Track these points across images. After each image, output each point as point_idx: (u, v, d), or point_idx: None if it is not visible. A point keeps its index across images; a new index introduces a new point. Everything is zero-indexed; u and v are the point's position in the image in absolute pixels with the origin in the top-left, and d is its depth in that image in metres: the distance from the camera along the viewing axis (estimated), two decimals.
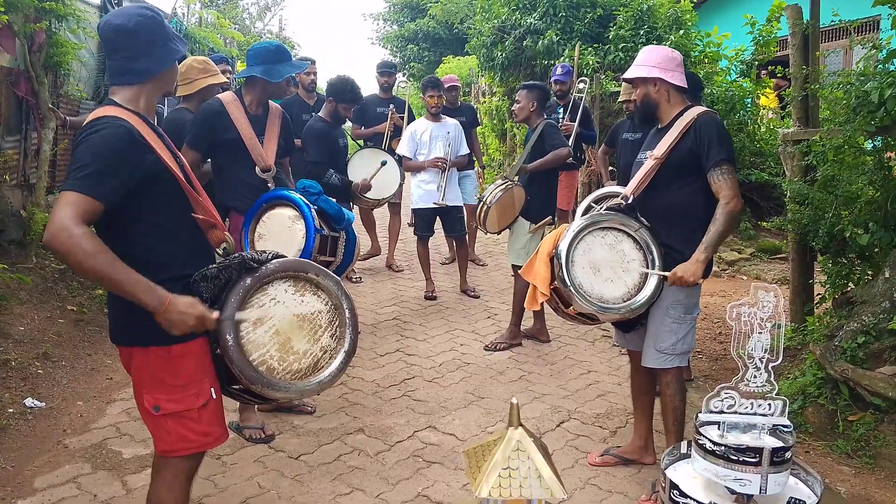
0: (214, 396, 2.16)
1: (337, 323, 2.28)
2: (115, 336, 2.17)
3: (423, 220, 6.30)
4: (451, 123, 6.30)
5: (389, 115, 6.70)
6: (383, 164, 5.17)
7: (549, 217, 5.04)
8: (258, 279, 2.13)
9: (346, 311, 2.29)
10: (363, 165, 5.69)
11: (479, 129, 9.00)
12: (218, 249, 2.28)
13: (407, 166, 6.20)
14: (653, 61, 3.11)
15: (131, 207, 1.99)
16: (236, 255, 2.17)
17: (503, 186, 5.14)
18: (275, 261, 2.19)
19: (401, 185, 6.14)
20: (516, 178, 5.13)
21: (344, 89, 4.93)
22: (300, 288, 2.24)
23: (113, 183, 1.91)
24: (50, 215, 1.87)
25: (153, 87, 2.17)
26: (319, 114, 5.18)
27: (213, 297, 2.10)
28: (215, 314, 2.02)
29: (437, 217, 6.29)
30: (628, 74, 3.20)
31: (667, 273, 2.94)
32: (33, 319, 4.75)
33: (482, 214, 5.28)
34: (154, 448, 2.18)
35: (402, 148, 6.27)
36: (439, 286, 6.58)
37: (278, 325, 2.16)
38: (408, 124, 6.67)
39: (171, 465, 2.17)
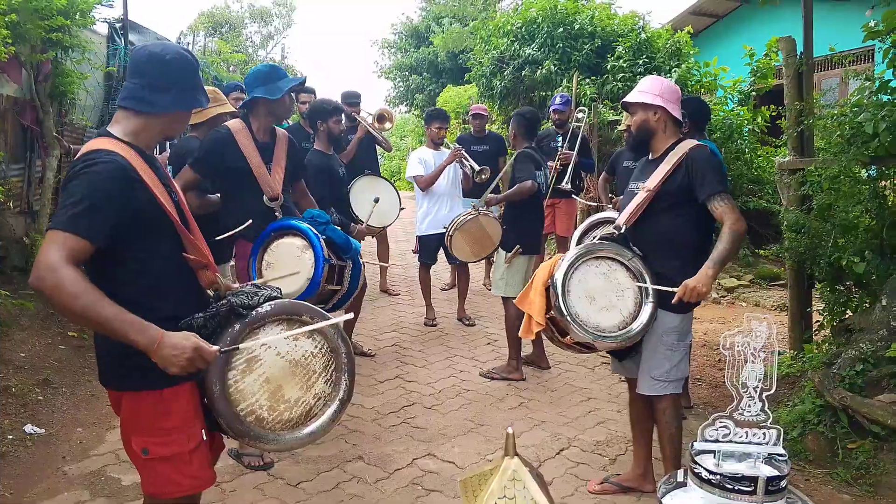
0: (205, 438, 2.09)
1: (333, 368, 2.16)
2: (103, 379, 2.10)
3: (428, 248, 6.34)
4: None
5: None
6: (376, 201, 5.22)
7: (518, 247, 4.94)
8: (247, 325, 2.05)
9: (343, 356, 2.17)
10: (363, 191, 5.73)
11: None
12: (208, 290, 2.17)
13: (422, 181, 6.18)
14: (657, 90, 3.16)
15: (121, 245, 1.93)
16: (224, 301, 2.08)
17: (469, 214, 5.22)
18: (266, 304, 2.09)
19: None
20: (485, 207, 5.23)
21: (322, 106, 4.93)
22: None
23: (103, 221, 1.86)
24: (38, 255, 1.80)
25: (158, 126, 2.10)
26: (315, 147, 5.03)
27: None
28: (214, 347, 1.94)
29: (442, 246, 6.30)
30: (630, 98, 3.22)
31: (669, 289, 2.96)
32: (34, 346, 4.77)
33: (448, 243, 5.34)
34: (142, 488, 2.12)
35: (414, 170, 6.28)
36: (439, 312, 6.59)
37: (269, 371, 2.06)
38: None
39: None
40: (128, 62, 2.13)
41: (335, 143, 5.04)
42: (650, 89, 3.17)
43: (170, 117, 2.11)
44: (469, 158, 6.27)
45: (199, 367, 1.92)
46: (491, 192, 5.60)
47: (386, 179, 6.11)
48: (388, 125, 7.09)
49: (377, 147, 7.08)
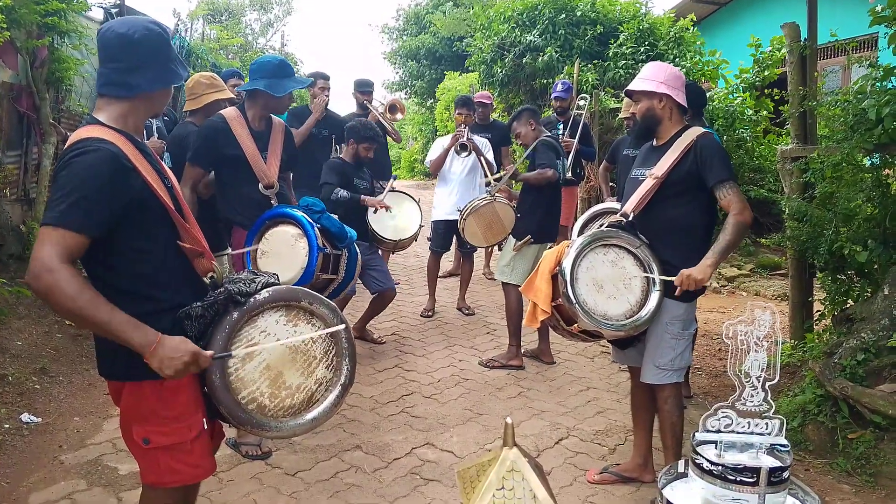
0: (206, 428, 2.08)
1: (333, 353, 2.14)
2: (103, 370, 2.06)
3: (435, 234, 6.33)
4: (478, 142, 6.24)
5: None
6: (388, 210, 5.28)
7: (529, 236, 4.92)
8: (246, 312, 2.02)
9: (343, 340, 2.14)
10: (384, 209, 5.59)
11: None
12: (205, 278, 2.14)
13: (435, 162, 6.29)
14: (662, 77, 3.11)
15: (116, 235, 1.89)
16: (222, 289, 2.04)
17: (484, 199, 5.21)
18: (264, 291, 2.07)
19: (420, 228, 5.76)
20: (499, 194, 5.23)
21: (359, 129, 5.12)
22: (293, 317, 2.11)
23: (98, 214, 1.81)
24: (32, 252, 1.77)
25: (143, 106, 2.05)
26: (341, 155, 5.27)
27: (199, 335, 1.99)
28: (209, 352, 1.92)
29: (454, 234, 6.25)
30: (634, 86, 3.17)
31: (673, 278, 2.94)
32: (31, 334, 4.75)
33: (461, 226, 5.31)
34: (141, 478, 2.11)
35: (430, 155, 6.43)
36: (438, 301, 6.57)
37: (269, 359, 2.05)
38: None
39: (159, 496, 2.09)
40: (98, 46, 2.05)
41: (359, 163, 5.21)
42: (654, 76, 3.12)
43: (153, 96, 2.07)
44: (466, 142, 6.13)
45: (192, 373, 1.90)
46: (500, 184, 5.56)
47: (410, 197, 5.82)
48: (399, 116, 7.03)
49: (387, 138, 7.02)
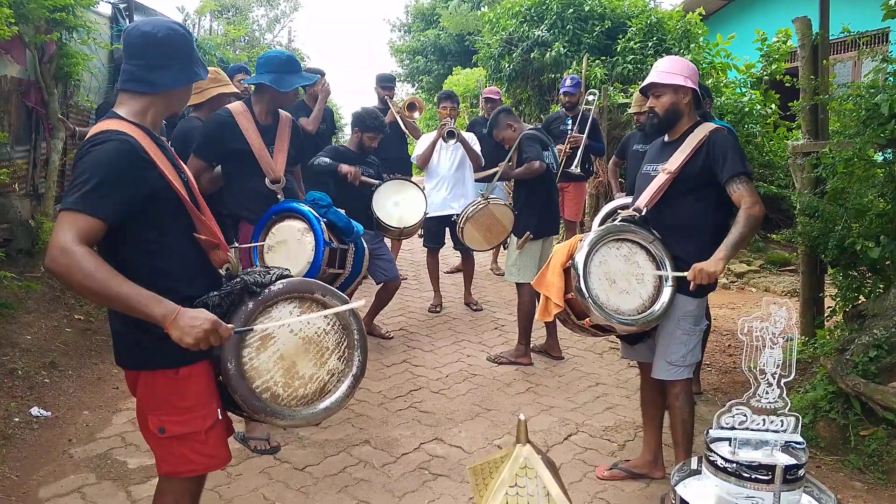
0: (220, 418, 2.10)
1: (345, 344, 2.19)
2: (120, 359, 2.10)
3: (428, 231, 6.28)
4: (465, 136, 6.21)
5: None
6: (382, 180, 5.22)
7: (528, 233, 4.86)
8: (261, 302, 2.06)
9: (355, 332, 2.19)
10: (388, 195, 5.42)
11: None
12: (221, 270, 2.17)
13: (422, 157, 6.21)
14: (686, 72, 3.05)
15: (133, 226, 1.93)
16: (238, 279, 2.08)
17: (478, 203, 5.18)
18: (279, 282, 2.11)
19: (425, 215, 5.64)
20: (494, 194, 5.23)
21: (364, 119, 5.02)
22: (306, 309, 2.15)
23: (115, 200, 1.85)
24: (50, 237, 1.81)
25: (163, 103, 2.11)
26: (346, 143, 5.24)
27: None
28: (230, 325, 1.93)
29: (447, 228, 6.25)
30: (660, 80, 3.05)
31: (685, 273, 2.91)
32: (41, 328, 4.76)
33: (460, 232, 5.28)
34: (157, 469, 2.14)
35: (419, 147, 6.32)
36: (446, 297, 6.55)
37: (283, 348, 2.08)
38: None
39: (174, 486, 2.13)
40: (122, 44, 2.13)
41: (363, 152, 5.12)
42: (679, 70, 3.04)
43: (173, 94, 2.12)
44: (454, 129, 6.05)
45: (213, 344, 1.90)
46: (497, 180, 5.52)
47: (414, 184, 5.68)
48: (416, 114, 7.03)
49: (406, 135, 7.00)
